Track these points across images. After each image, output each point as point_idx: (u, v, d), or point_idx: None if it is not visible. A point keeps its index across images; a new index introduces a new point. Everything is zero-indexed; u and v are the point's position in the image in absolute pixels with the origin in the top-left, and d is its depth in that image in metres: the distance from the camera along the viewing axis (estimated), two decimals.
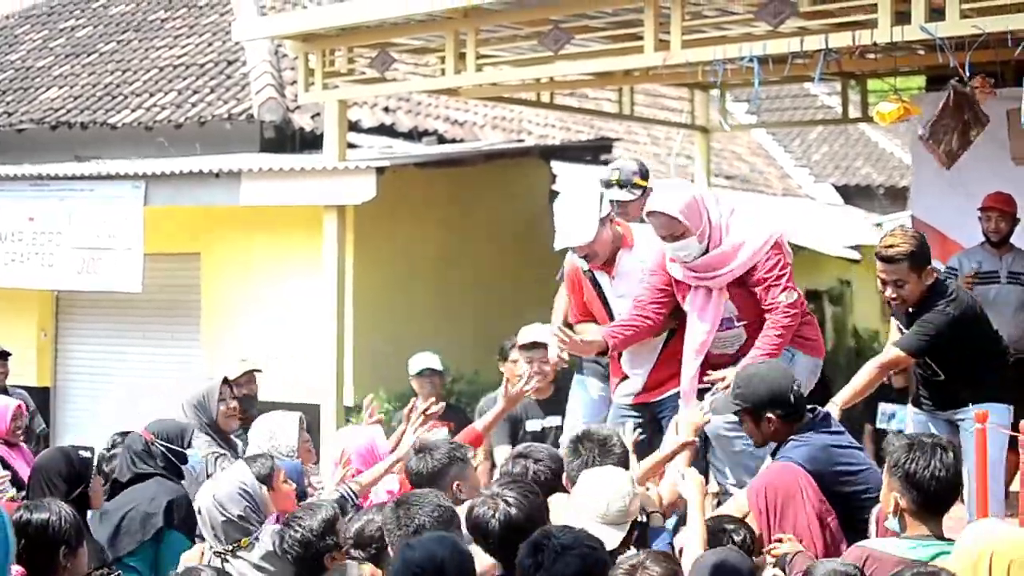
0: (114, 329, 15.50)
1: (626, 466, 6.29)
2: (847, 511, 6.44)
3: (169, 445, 7.50)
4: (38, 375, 15.34)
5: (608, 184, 8.74)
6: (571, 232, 8.00)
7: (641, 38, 10.40)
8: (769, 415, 6.62)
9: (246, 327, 14.12)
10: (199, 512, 6.33)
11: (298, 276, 13.61)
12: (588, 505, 5.64)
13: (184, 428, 7.73)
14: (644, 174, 8.87)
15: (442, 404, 8.38)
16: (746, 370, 6.93)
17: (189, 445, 7.59)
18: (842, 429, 6.93)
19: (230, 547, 6.05)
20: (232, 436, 8.48)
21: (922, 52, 11.81)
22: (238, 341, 14.10)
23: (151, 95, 16.39)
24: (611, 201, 8.47)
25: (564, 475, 6.40)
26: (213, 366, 14.26)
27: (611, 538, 5.46)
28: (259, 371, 9.52)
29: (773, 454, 6.75)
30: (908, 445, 5.45)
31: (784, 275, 7.51)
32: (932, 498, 5.38)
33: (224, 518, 6.12)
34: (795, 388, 6.68)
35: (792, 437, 6.61)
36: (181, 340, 14.89)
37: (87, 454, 6.77)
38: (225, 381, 8.48)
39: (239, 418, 8.52)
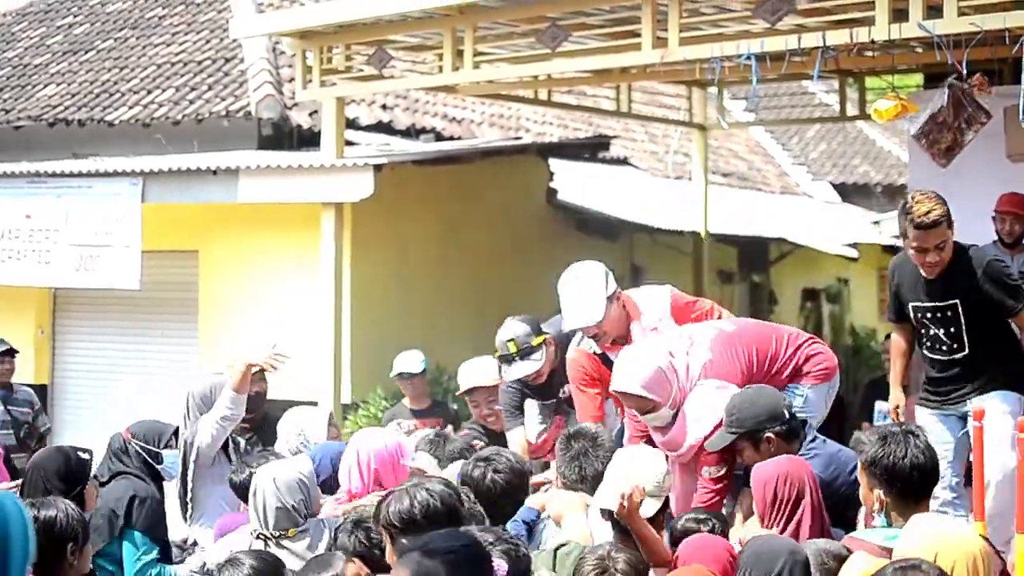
0: (112, 327, 15.49)
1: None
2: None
3: (145, 445, 7.54)
4: (35, 373, 15.32)
5: (510, 359, 8.38)
6: (579, 313, 7.76)
7: (639, 35, 10.40)
8: (768, 435, 6.61)
9: (244, 324, 14.11)
10: (253, 493, 6.31)
11: (296, 273, 13.60)
12: (630, 477, 5.69)
13: (163, 430, 7.77)
14: (537, 330, 8.43)
15: None
16: (733, 399, 6.85)
17: (167, 446, 7.61)
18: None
19: (277, 533, 6.07)
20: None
21: (920, 50, 11.81)
22: (236, 338, 14.10)
23: (149, 92, 16.38)
24: (518, 381, 8.40)
25: (553, 472, 6.41)
26: (211, 363, 14.28)
27: (649, 506, 5.60)
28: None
29: None
30: (881, 439, 5.47)
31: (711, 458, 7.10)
32: (915, 486, 5.41)
33: (279, 504, 6.15)
34: (786, 403, 6.72)
35: (811, 446, 6.69)
36: (179, 337, 14.88)
37: (86, 456, 6.77)
38: None
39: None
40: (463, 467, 6.60)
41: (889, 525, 5.43)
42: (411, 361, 10.93)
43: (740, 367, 7.21)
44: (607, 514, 5.75)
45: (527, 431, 8.66)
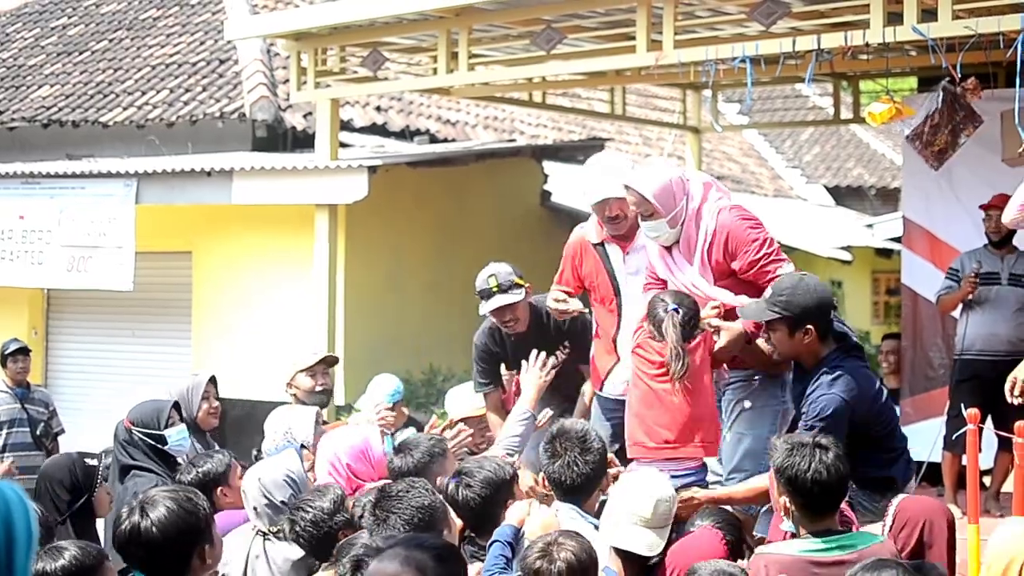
0: (105, 328, 15.48)
1: (604, 464, 6.18)
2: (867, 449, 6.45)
3: (146, 431, 7.48)
4: (29, 373, 15.29)
5: (488, 294, 8.42)
6: (612, 185, 7.62)
7: (633, 38, 10.39)
8: (809, 326, 6.49)
9: (237, 326, 14.12)
10: (244, 494, 6.34)
11: (289, 275, 13.60)
12: (632, 508, 5.51)
13: (160, 408, 7.65)
14: (519, 274, 8.51)
15: None
16: (786, 279, 6.69)
17: (167, 425, 7.55)
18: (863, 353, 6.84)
19: (274, 529, 6.10)
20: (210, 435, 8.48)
21: (914, 53, 11.82)
22: (229, 340, 14.11)
23: (143, 93, 16.38)
24: (495, 309, 8.36)
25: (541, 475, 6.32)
26: (204, 364, 14.28)
27: (655, 543, 5.42)
28: (336, 359, 9.39)
29: (797, 380, 6.66)
30: (788, 448, 5.45)
31: (773, 251, 7.12)
32: (816, 500, 5.38)
33: (267, 502, 6.17)
34: (835, 301, 6.58)
35: (824, 367, 6.52)
36: (172, 339, 14.88)
37: (93, 462, 6.71)
38: (211, 380, 8.47)
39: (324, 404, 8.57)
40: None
41: (797, 531, 5.45)
42: (383, 391, 10.32)
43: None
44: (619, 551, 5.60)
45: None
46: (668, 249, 7.29)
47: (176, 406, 7.79)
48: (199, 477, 6.74)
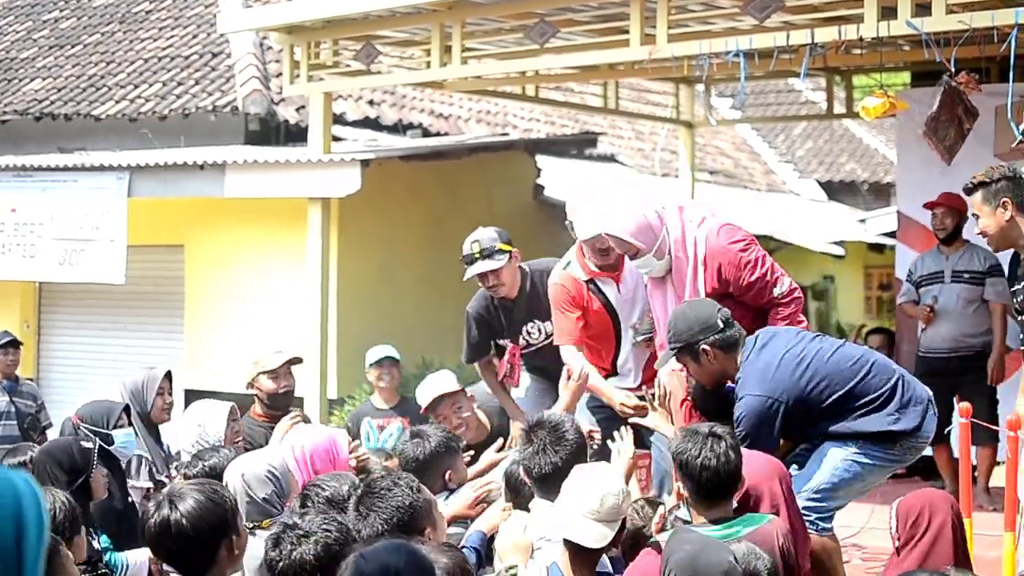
0: (97, 321, 15.47)
1: (581, 454, 6.15)
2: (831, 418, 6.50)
3: (93, 428, 7.45)
4: (20, 366, 15.27)
5: (471, 259, 8.50)
6: (613, 219, 7.42)
7: (627, 32, 10.39)
8: (705, 347, 6.54)
9: (229, 319, 14.11)
10: (225, 487, 6.33)
11: (282, 269, 13.59)
12: (581, 501, 5.44)
13: (111, 409, 7.63)
14: (505, 239, 8.55)
15: None
16: (670, 317, 6.82)
17: (116, 427, 7.52)
18: (790, 332, 6.81)
19: (251, 525, 6.08)
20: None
21: (907, 48, 11.83)
22: (221, 333, 14.09)
23: (135, 87, 16.35)
24: (479, 274, 8.42)
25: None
26: (196, 358, 14.27)
27: (602, 536, 5.36)
28: (299, 360, 9.02)
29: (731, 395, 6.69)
30: (685, 435, 5.57)
31: (767, 270, 7.18)
32: (705, 487, 5.46)
33: (248, 499, 6.14)
34: (720, 313, 6.60)
35: (738, 376, 6.56)
36: (164, 332, 14.87)
37: (89, 445, 6.72)
38: (167, 375, 8.43)
39: (277, 414, 8.43)
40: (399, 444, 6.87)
41: (691, 518, 5.57)
42: (388, 349, 10.80)
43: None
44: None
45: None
46: (662, 280, 7.34)
47: (127, 409, 7.77)
48: (204, 471, 6.72)
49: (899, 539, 5.80)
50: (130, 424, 7.73)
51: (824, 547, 6.35)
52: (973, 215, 7.32)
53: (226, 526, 4.81)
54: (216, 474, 6.79)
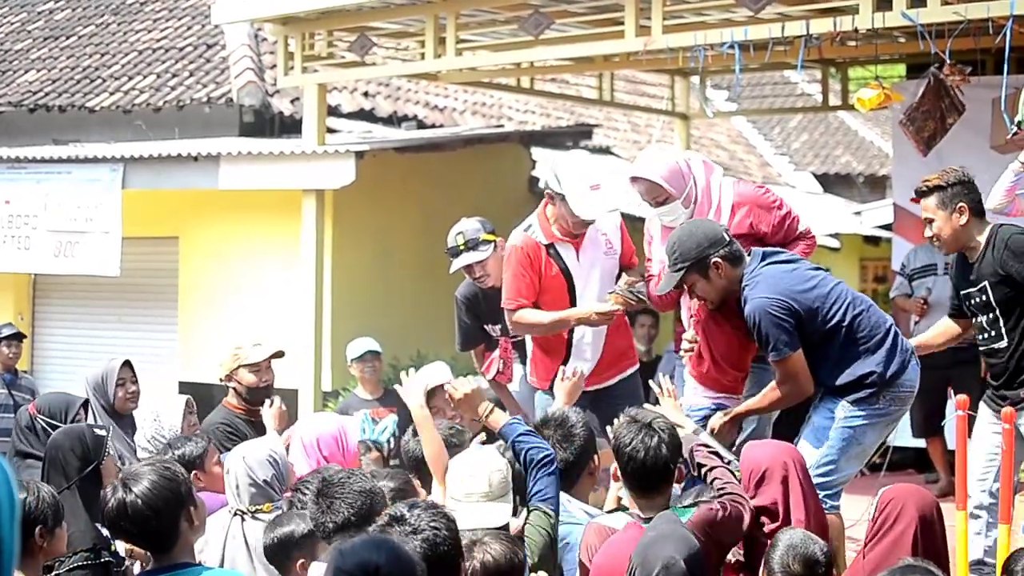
0: (91, 313, 15.45)
1: (590, 450, 6.14)
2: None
3: (50, 420, 7.41)
4: (20, 359, 15.27)
5: (456, 252, 8.52)
6: (605, 202, 7.79)
7: (622, 23, 10.38)
8: (715, 260, 6.63)
9: (224, 311, 14.09)
10: (227, 472, 6.37)
11: (276, 261, 13.58)
12: (470, 487, 5.51)
13: (70, 402, 7.62)
14: (489, 229, 8.58)
15: None
16: (671, 239, 6.88)
17: (75, 420, 7.50)
18: (795, 257, 6.97)
19: (252, 509, 6.11)
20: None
21: (903, 40, 11.82)
22: (216, 325, 14.07)
23: (130, 78, 16.32)
24: (465, 266, 8.44)
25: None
26: (190, 350, 14.26)
27: (501, 513, 5.42)
28: (282, 354, 8.79)
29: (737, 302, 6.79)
30: (623, 422, 5.67)
31: (789, 208, 7.49)
32: (631, 475, 5.58)
33: (251, 481, 6.19)
34: (723, 228, 6.73)
35: (744, 284, 6.67)
36: (158, 324, 14.85)
37: (102, 432, 6.71)
38: (126, 364, 8.41)
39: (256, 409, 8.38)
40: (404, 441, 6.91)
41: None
42: (369, 343, 10.88)
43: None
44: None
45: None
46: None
47: (85, 404, 7.74)
48: (175, 459, 6.72)
49: (871, 529, 5.76)
50: (86, 420, 7.70)
51: (832, 525, 6.36)
52: (926, 219, 7.35)
53: (182, 499, 4.88)
54: (187, 462, 6.81)
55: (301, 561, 5.42)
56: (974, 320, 7.44)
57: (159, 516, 4.80)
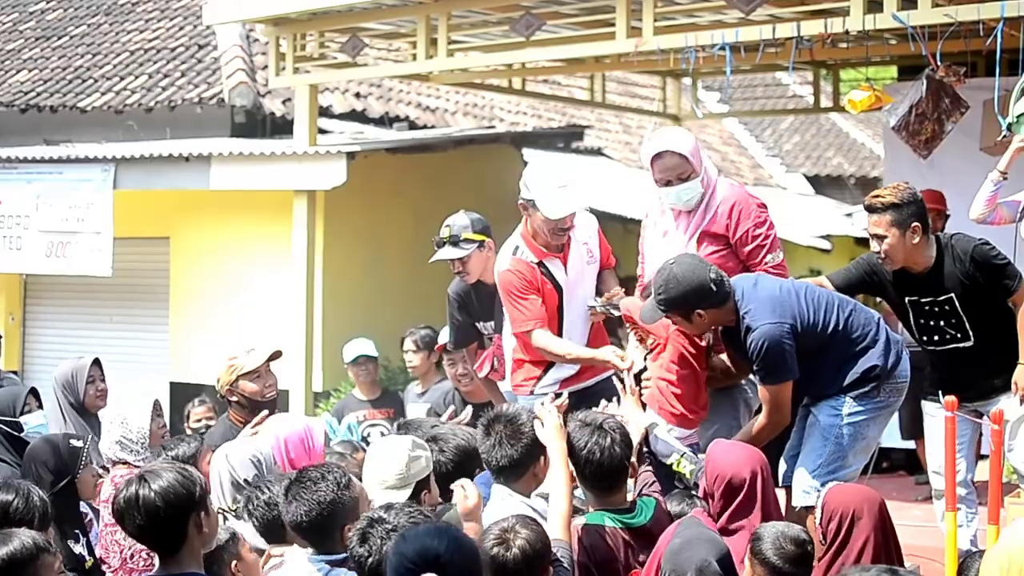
0: (82, 313, 15.43)
1: (537, 447, 6.14)
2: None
3: (1, 419, 7.39)
4: (5, 359, 15.16)
5: (439, 243, 8.51)
6: (575, 200, 7.73)
7: (613, 25, 10.39)
8: (699, 312, 6.57)
9: (215, 312, 14.09)
10: (211, 470, 6.41)
11: (267, 261, 13.57)
12: (374, 475, 5.81)
13: (16, 395, 7.63)
14: (479, 228, 8.54)
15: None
16: (660, 274, 6.72)
17: (23, 412, 7.46)
18: (769, 276, 6.92)
19: (235, 507, 6.12)
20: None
21: (894, 41, 11.82)
22: (207, 326, 14.07)
23: (121, 79, 16.31)
24: (451, 260, 8.41)
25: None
26: (181, 350, 14.25)
27: (395, 499, 5.52)
28: (280, 354, 8.24)
29: (726, 333, 6.77)
30: (577, 424, 5.82)
31: (772, 236, 7.27)
32: (589, 477, 5.75)
33: (232, 480, 6.20)
34: (710, 272, 6.59)
35: (743, 313, 6.59)
36: (149, 324, 14.84)
37: (77, 443, 6.63)
38: (95, 362, 8.40)
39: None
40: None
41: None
42: (366, 346, 10.89)
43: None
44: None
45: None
46: (677, 215, 7.33)
47: (33, 392, 7.71)
48: (167, 460, 6.70)
49: (822, 537, 5.74)
50: (39, 407, 7.67)
51: None
52: (875, 235, 7.34)
53: (194, 503, 4.92)
54: (180, 463, 6.78)
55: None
56: (917, 323, 7.56)
57: (168, 512, 4.83)
